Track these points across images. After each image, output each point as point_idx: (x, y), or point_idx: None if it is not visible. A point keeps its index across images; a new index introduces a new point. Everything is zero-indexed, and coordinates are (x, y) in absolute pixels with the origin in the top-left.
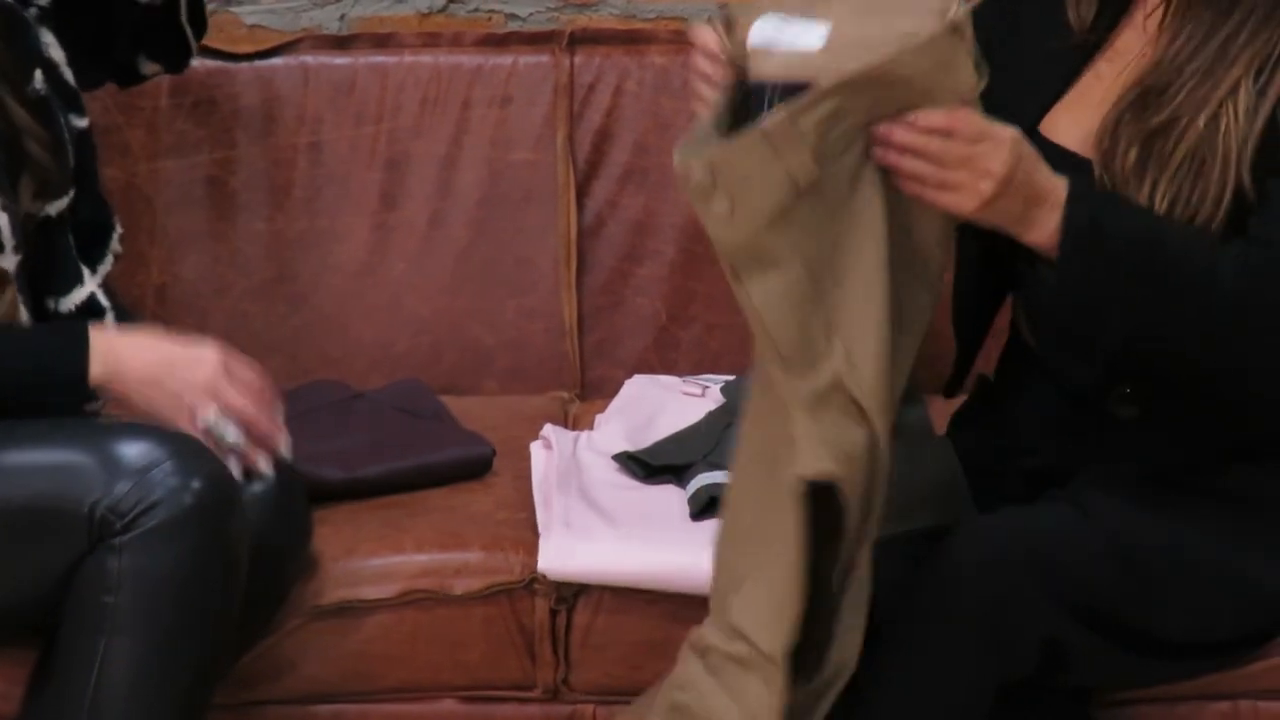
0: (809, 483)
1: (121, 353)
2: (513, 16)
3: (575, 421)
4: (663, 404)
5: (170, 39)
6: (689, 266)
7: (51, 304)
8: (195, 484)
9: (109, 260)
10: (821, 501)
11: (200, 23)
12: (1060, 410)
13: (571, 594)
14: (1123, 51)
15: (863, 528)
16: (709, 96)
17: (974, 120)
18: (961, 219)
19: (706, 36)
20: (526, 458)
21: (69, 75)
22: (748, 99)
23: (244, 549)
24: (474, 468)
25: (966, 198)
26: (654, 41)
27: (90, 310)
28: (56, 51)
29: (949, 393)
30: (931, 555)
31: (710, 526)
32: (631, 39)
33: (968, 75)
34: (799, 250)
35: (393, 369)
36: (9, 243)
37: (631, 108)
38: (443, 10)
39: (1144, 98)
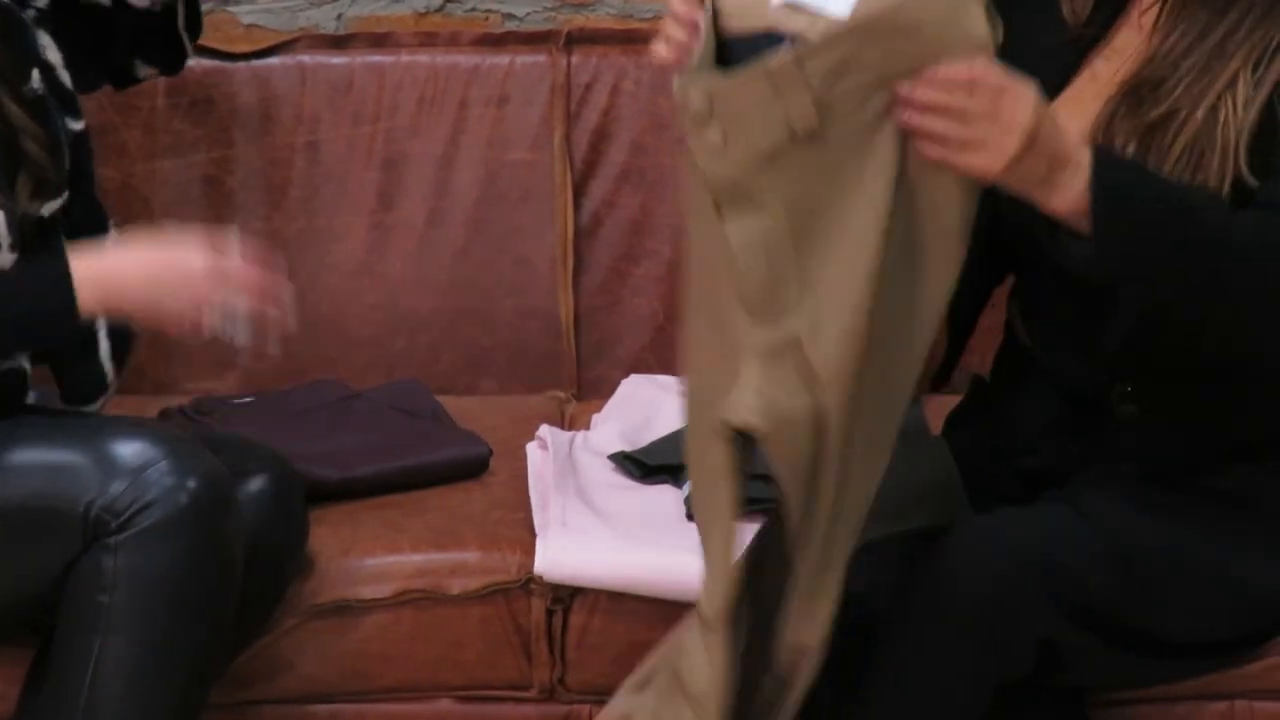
0: (737, 433)
1: (110, 282)
2: (510, 16)
3: (572, 421)
4: (659, 404)
5: (166, 43)
6: None
7: None
8: (190, 483)
9: None
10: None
11: (195, 26)
12: (1057, 410)
13: (568, 594)
14: (1119, 49)
15: (811, 506)
16: (678, 39)
17: (995, 71)
18: (987, 182)
19: None
20: (523, 458)
21: (66, 77)
22: (724, 50)
23: (240, 548)
24: (471, 468)
25: (992, 155)
26: (650, 41)
27: None
28: (54, 54)
29: (936, 385)
30: (928, 556)
31: None
32: (628, 39)
33: (980, 24)
34: (786, 199)
35: (390, 369)
36: (5, 240)
37: (628, 107)
38: (439, 10)
39: (1140, 92)
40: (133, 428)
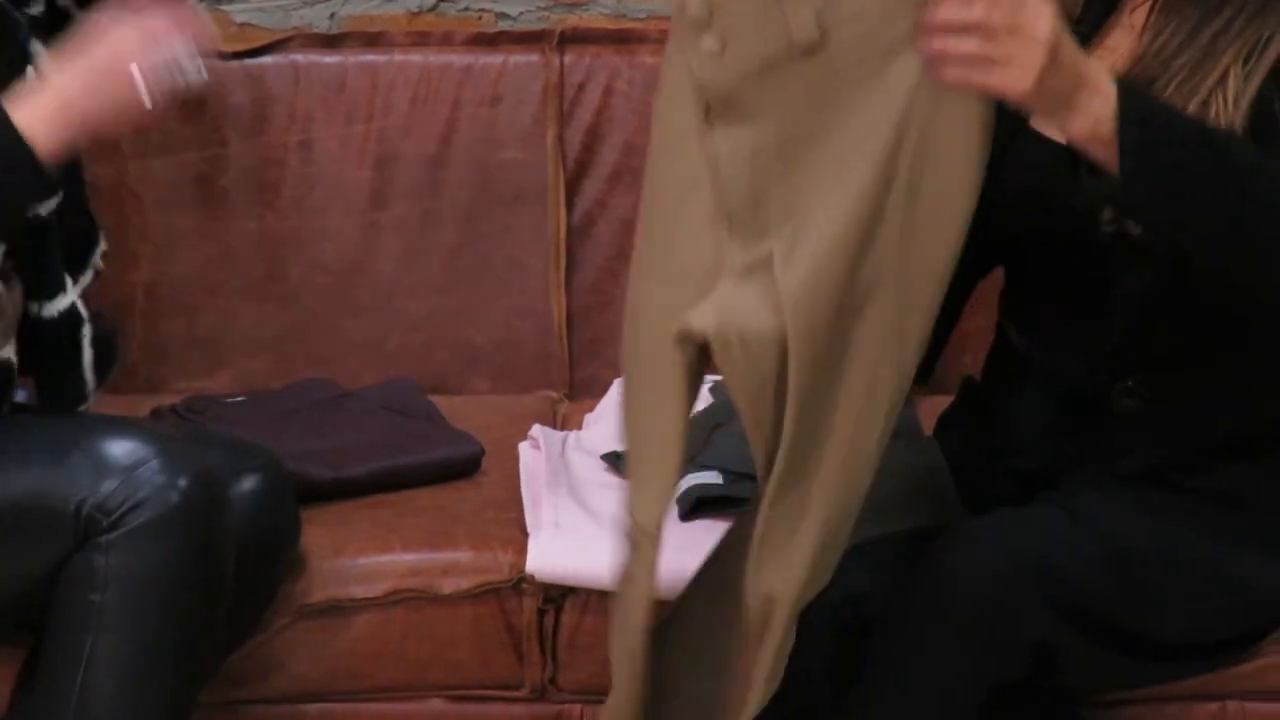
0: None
1: (54, 113)
2: (503, 15)
3: (564, 421)
4: None
5: None
6: None
7: (35, 308)
8: (182, 482)
9: (89, 274)
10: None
11: None
12: (1051, 411)
13: (559, 594)
14: (1111, 48)
15: (774, 442)
16: None
17: None
18: (1015, 103)
19: None
20: (515, 457)
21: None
22: None
23: (231, 547)
24: (463, 467)
25: (1018, 73)
26: (644, 41)
27: (71, 319)
28: (45, 61)
29: (919, 379)
30: (923, 557)
31: (699, 526)
32: (622, 38)
33: None
34: (779, 115)
35: (382, 368)
36: None
37: (621, 107)
38: (433, 9)
39: None
40: (124, 426)
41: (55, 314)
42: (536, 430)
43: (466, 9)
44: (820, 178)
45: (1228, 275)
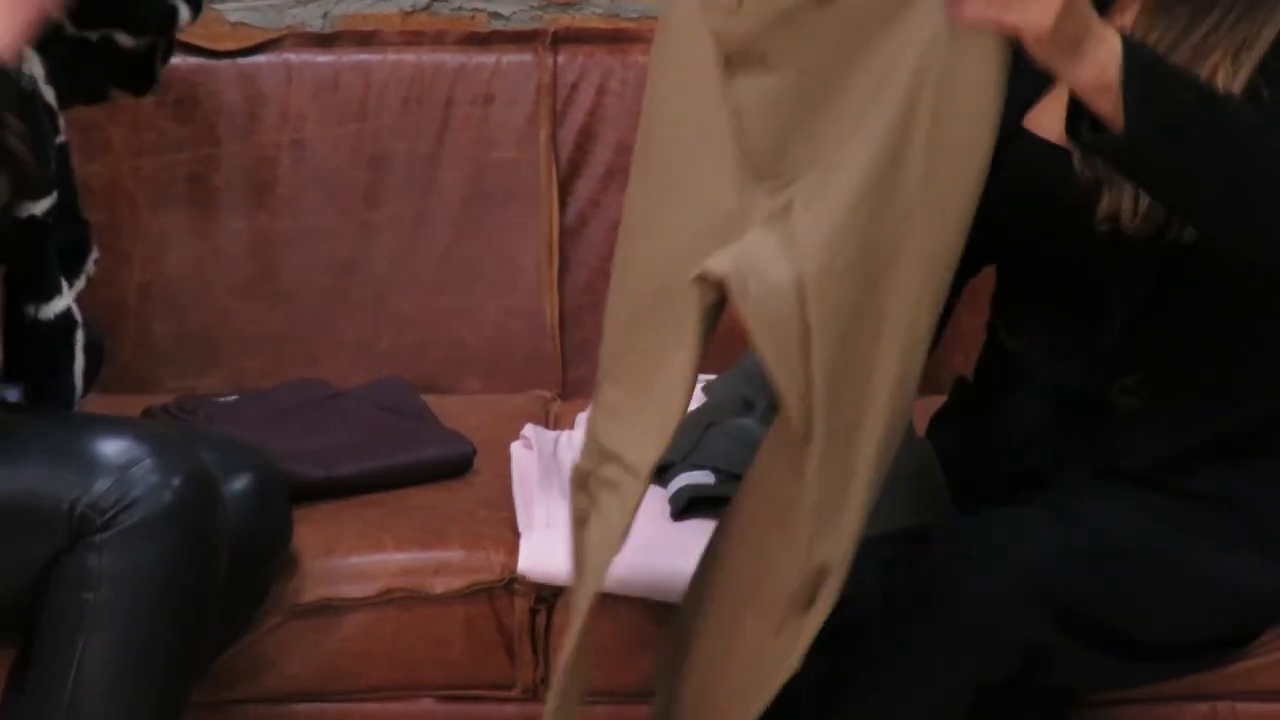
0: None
1: None
2: (496, 15)
3: (556, 421)
4: None
5: (141, 72)
6: None
7: (31, 311)
8: (175, 481)
9: (83, 279)
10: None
11: (168, 54)
12: (1044, 411)
13: (551, 594)
14: None
15: (808, 399)
16: None
17: None
18: (1028, 46)
19: None
20: (508, 457)
21: (47, 92)
22: None
23: (224, 547)
24: (455, 467)
25: (1038, 12)
26: (637, 41)
27: (67, 322)
28: (37, 68)
29: None
30: (915, 557)
31: (692, 526)
32: (615, 38)
33: None
34: (799, 64)
35: (374, 367)
36: None
37: (614, 107)
38: (426, 9)
39: None
40: (117, 425)
41: (51, 316)
42: (529, 430)
43: (459, 8)
44: (841, 125)
45: (1218, 236)
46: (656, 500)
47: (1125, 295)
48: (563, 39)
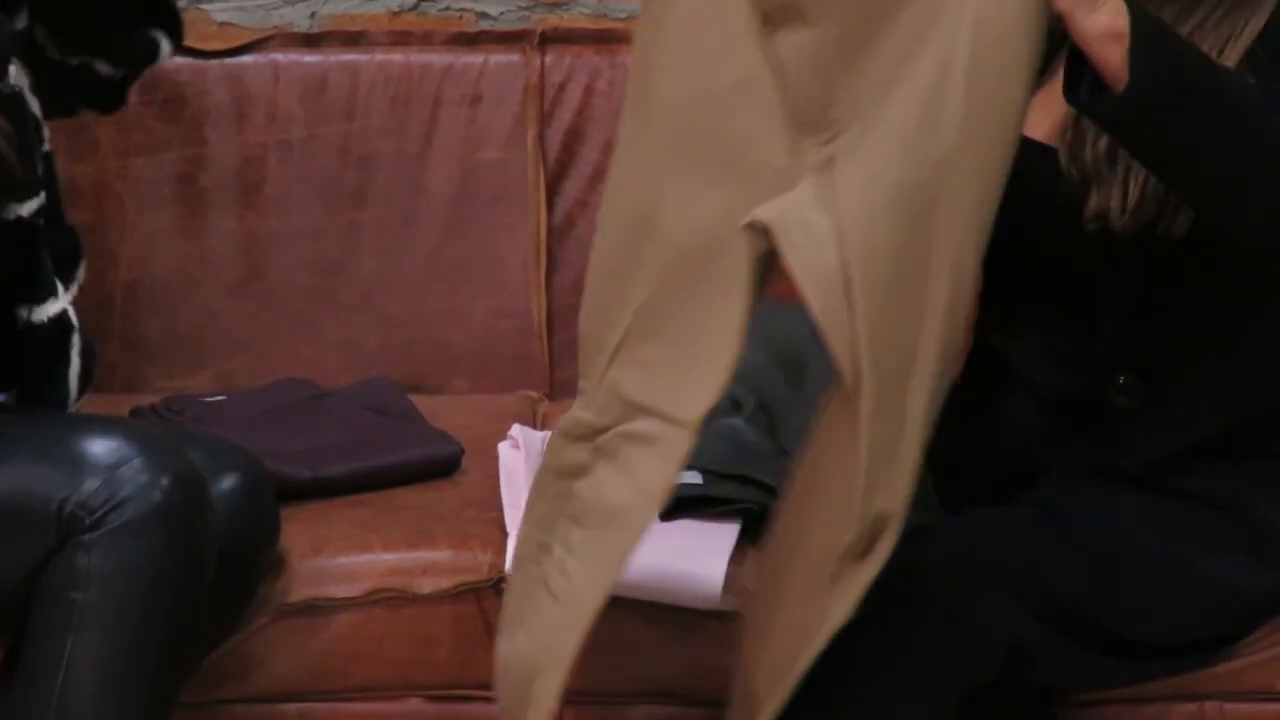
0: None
1: None
2: (484, 15)
3: (544, 421)
4: None
5: (113, 94)
6: None
7: (25, 313)
8: (164, 481)
9: (76, 284)
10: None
11: (137, 77)
12: (1035, 412)
13: None
14: None
15: (858, 353)
16: None
17: None
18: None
19: None
20: (495, 457)
21: (34, 103)
22: None
23: (213, 547)
24: (442, 467)
25: None
26: (625, 41)
27: (62, 326)
28: (22, 77)
29: None
30: (899, 556)
31: (680, 527)
32: (603, 38)
33: None
34: (838, 15)
35: (362, 367)
36: None
37: (602, 107)
38: (413, 9)
39: None
40: (106, 425)
41: (46, 319)
42: (516, 430)
43: (447, 8)
44: (883, 76)
45: (1208, 211)
46: None
47: (1118, 294)
48: (550, 39)
